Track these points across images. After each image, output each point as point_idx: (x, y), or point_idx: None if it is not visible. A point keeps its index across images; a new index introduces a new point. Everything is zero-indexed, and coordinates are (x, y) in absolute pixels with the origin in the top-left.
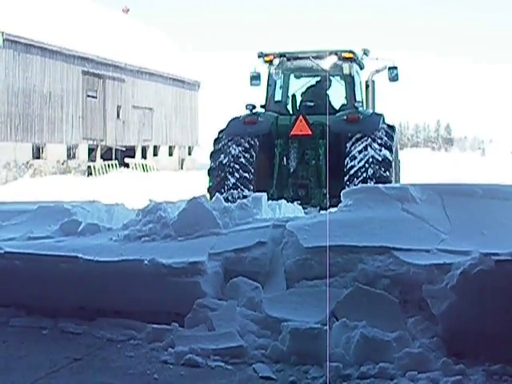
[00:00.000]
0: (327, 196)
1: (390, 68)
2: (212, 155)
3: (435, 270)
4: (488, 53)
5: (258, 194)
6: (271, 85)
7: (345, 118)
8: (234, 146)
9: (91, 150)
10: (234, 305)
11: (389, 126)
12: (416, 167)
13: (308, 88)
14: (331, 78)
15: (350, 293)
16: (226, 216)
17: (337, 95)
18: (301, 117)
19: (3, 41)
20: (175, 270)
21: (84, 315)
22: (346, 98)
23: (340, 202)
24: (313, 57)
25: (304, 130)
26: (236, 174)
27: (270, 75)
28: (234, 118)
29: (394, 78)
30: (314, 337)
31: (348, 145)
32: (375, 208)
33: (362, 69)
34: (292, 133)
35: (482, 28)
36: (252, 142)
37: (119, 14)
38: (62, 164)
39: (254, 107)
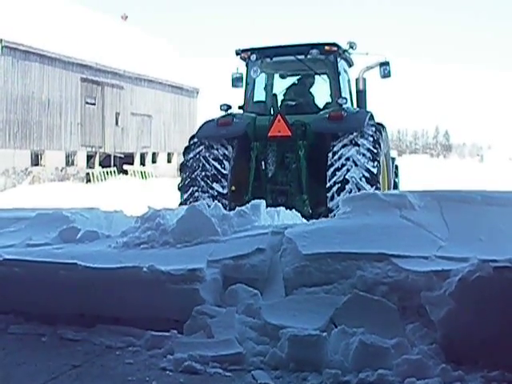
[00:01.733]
0: (307, 202)
1: (381, 64)
2: (182, 167)
3: (434, 277)
4: (487, 59)
5: (256, 201)
6: (249, 83)
7: (327, 116)
8: (206, 155)
9: (90, 157)
10: (233, 312)
11: (377, 123)
12: (414, 174)
13: (289, 86)
14: (314, 74)
15: (349, 300)
16: (224, 223)
17: (321, 93)
18: (279, 116)
19: (2, 48)
20: (174, 277)
21: (83, 322)
22: (330, 95)
23: (325, 209)
24: (293, 51)
25: (283, 130)
26: (209, 190)
27: (247, 73)
28: (207, 121)
29: (386, 75)
30: (312, 344)
31: (330, 145)
32: (373, 215)
33: (350, 66)
34: (270, 134)
35: (481, 34)
36: (226, 150)
37: (118, 21)
38: (61, 171)
39: (229, 107)
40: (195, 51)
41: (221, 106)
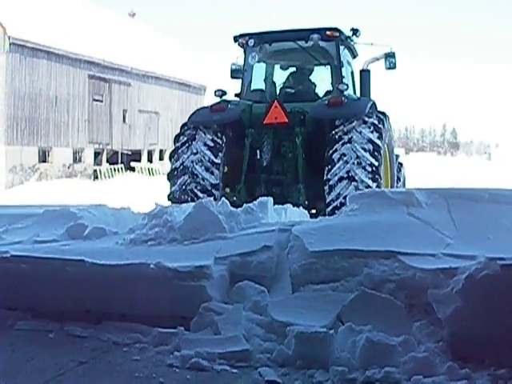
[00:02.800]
0: (303, 193)
1: (387, 55)
2: (172, 155)
3: (441, 275)
4: (495, 57)
5: (263, 198)
6: (247, 70)
7: (326, 102)
8: (197, 142)
9: (97, 154)
10: (240, 309)
11: (380, 112)
12: (422, 171)
13: (289, 74)
14: (315, 61)
15: (356, 297)
16: (231, 220)
17: (322, 81)
18: (276, 102)
19: (10, 45)
20: (181, 273)
21: (90, 319)
22: (331, 84)
23: (322, 202)
24: (293, 37)
25: (280, 117)
26: (200, 180)
27: (245, 59)
28: (201, 107)
29: (391, 67)
30: (319, 341)
31: (329, 131)
32: (381, 212)
33: (354, 57)
34: (266, 121)
35: (489, 32)
36: (218, 138)
37: (125, 18)
38: (68, 168)
39: (223, 93)
40: (203, 48)
41: (215, 92)
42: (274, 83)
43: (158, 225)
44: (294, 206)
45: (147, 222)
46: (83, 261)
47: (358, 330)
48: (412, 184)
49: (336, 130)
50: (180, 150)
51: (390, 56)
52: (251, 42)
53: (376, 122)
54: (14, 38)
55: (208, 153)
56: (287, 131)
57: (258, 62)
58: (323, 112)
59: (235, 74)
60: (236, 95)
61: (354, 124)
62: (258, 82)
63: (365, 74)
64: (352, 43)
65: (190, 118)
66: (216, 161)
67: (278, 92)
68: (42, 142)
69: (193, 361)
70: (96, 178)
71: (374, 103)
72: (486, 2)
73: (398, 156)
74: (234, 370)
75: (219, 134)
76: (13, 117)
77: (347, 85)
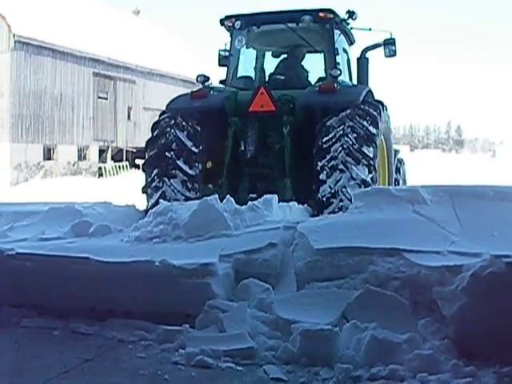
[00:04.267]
0: (289, 188)
1: (386, 42)
2: (148, 144)
3: (446, 272)
4: (500, 54)
5: (268, 195)
6: (233, 55)
7: (317, 89)
8: (175, 130)
9: (102, 152)
10: (245, 306)
11: (377, 101)
12: (426, 169)
13: (279, 59)
14: (307, 45)
15: (361, 294)
16: (237, 218)
17: (314, 67)
18: (262, 89)
19: (15, 43)
20: (186, 271)
21: (95, 316)
22: (325, 70)
23: (311, 198)
24: (283, 18)
25: (266, 105)
26: (178, 172)
27: (231, 43)
28: (181, 94)
29: (391, 54)
30: (324, 338)
31: (320, 120)
32: (386, 210)
33: (351, 43)
34: (251, 109)
35: (494, 30)
36: (198, 126)
37: (130, 15)
38: (73, 165)
39: (206, 79)
40: (208, 45)
41: (197, 78)
42: (263, 69)
43: (163, 222)
44: (280, 202)
45: (152, 219)
46: (88, 258)
47: (363, 328)
48: (417, 181)
49: (327, 119)
50: (156, 139)
51: (389, 43)
52: (238, 25)
53: (371, 110)
54: (19, 36)
55: (187, 142)
56: (274, 120)
57: (246, 46)
58: (313, 99)
59: (224, 61)
60: (221, 82)
61: (347, 112)
62: (245, 68)
63: (362, 61)
64: (348, 28)
65: (168, 104)
66: (195, 151)
67: (266, 79)
68: (46, 139)
69: (198, 358)
70: (101, 175)
71: (370, 91)
72: (494, 2)
73: (397, 151)
74: (239, 368)
75: (200, 122)
76: (18, 114)
77: (340, 70)
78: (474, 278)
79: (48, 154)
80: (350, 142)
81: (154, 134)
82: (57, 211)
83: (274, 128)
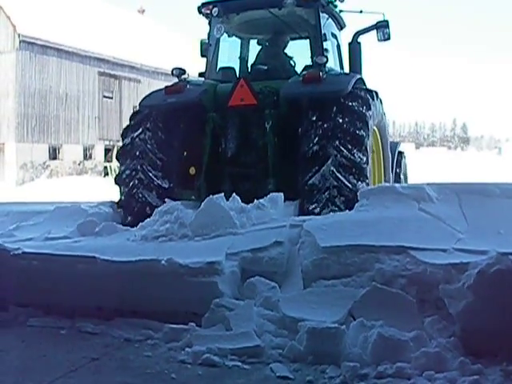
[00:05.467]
0: (271, 188)
1: (378, 25)
2: (118, 155)
3: (452, 270)
4: (505, 51)
5: (274, 194)
6: (212, 45)
7: (301, 78)
8: (147, 131)
9: (107, 151)
10: (251, 304)
11: (368, 90)
12: (432, 166)
13: (261, 48)
14: (292, 32)
15: (367, 292)
16: (243, 216)
17: (301, 55)
18: (242, 81)
19: (20, 42)
20: (192, 269)
21: (101, 315)
22: (311, 57)
23: (297, 198)
24: (265, 3)
25: (247, 98)
26: (153, 185)
27: (210, 32)
28: (157, 90)
29: (384, 38)
30: (331, 336)
31: (305, 114)
32: (392, 207)
33: (341, 28)
34: (230, 103)
35: (500, 27)
36: (174, 124)
37: (135, 14)
38: (79, 165)
39: (182, 72)
40: None
41: (172, 71)
42: (244, 59)
43: (169, 221)
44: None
45: (158, 218)
46: (94, 257)
47: (370, 326)
48: (422, 179)
49: (310, 108)
50: (126, 148)
51: (382, 26)
52: (215, 11)
53: (362, 94)
54: (24, 36)
55: (159, 143)
56: (257, 115)
57: (228, 34)
58: (297, 89)
59: (206, 51)
60: (200, 75)
61: (332, 101)
62: (225, 59)
63: (354, 47)
64: (336, 11)
65: (141, 102)
66: (169, 152)
67: (249, 69)
68: (52, 139)
69: (204, 357)
70: (106, 174)
71: (361, 79)
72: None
73: (397, 144)
74: (246, 366)
75: (175, 120)
76: (23, 114)
77: (327, 57)
78: (480, 276)
79: (53, 154)
80: (338, 139)
81: (125, 142)
82: (63, 211)
83: (257, 123)
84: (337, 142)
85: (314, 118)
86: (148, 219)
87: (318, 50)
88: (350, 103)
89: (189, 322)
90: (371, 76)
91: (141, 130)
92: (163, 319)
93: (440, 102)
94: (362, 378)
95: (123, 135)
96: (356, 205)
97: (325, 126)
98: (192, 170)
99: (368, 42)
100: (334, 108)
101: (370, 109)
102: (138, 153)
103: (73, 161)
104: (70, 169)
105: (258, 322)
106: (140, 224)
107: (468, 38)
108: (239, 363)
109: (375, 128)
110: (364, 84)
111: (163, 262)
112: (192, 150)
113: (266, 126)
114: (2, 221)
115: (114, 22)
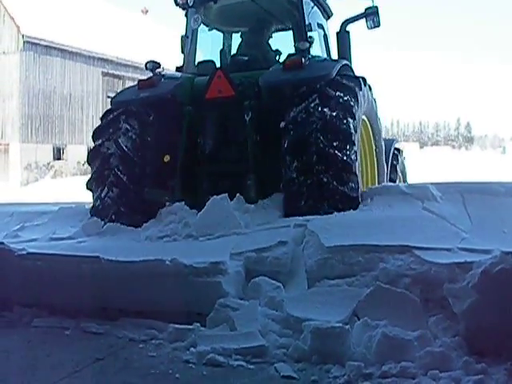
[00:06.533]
0: (252, 186)
1: (367, 12)
2: (89, 158)
3: (456, 269)
4: (508, 50)
5: (278, 194)
6: (189, 37)
7: (281, 66)
8: (117, 131)
9: None
10: (256, 304)
11: (354, 76)
12: (436, 166)
13: (242, 39)
14: (274, 20)
15: (372, 292)
16: (247, 216)
17: (284, 45)
18: (219, 72)
19: (24, 43)
20: (197, 269)
21: (106, 315)
22: (294, 45)
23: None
24: None
25: (225, 90)
26: (120, 177)
27: (186, 23)
28: (131, 86)
29: (374, 25)
30: (335, 336)
31: (285, 104)
32: (396, 207)
33: (328, 17)
34: (207, 95)
35: (503, 26)
36: (146, 121)
37: (138, 15)
38: (83, 165)
39: (157, 66)
40: None
41: (146, 65)
42: (225, 51)
43: (174, 221)
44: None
45: (162, 218)
46: (99, 257)
47: (374, 325)
48: (426, 179)
49: (293, 98)
50: (96, 152)
51: (372, 13)
52: (191, 1)
53: (345, 82)
54: (28, 37)
55: (129, 141)
56: (236, 107)
57: (205, 26)
58: (277, 77)
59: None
60: (178, 69)
61: (313, 98)
62: (203, 51)
63: (343, 36)
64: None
65: (112, 98)
66: (142, 152)
67: (228, 62)
68: (56, 139)
69: (209, 357)
70: None
71: (347, 65)
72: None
73: (393, 140)
74: (250, 366)
75: (148, 117)
76: (27, 115)
77: (310, 42)
78: (484, 275)
79: (58, 154)
80: (322, 128)
81: (96, 143)
82: (67, 211)
83: (236, 116)
84: (320, 136)
85: (296, 109)
86: (152, 219)
87: (301, 37)
88: (334, 92)
89: (193, 322)
90: (377, 76)
91: (112, 130)
92: (168, 319)
93: (444, 101)
94: (366, 378)
95: (94, 136)
96: (360, 205)
97: (306, 117)
98: (166, 158)
99: (376, 48)
100: (317, 98)
101: (356, 97)
102: (109, 155)
103: (77, 161)
104: (74, 169)
105: (262, 322)
106: (144, 224)
107: (473, 37)
108: (244, 363)
109: (364, 118)
110: (351, 71)
111: (167, 262)
112: (167, 149)
113: (246, 119)
114: (6, 221)
115: (118, 23)
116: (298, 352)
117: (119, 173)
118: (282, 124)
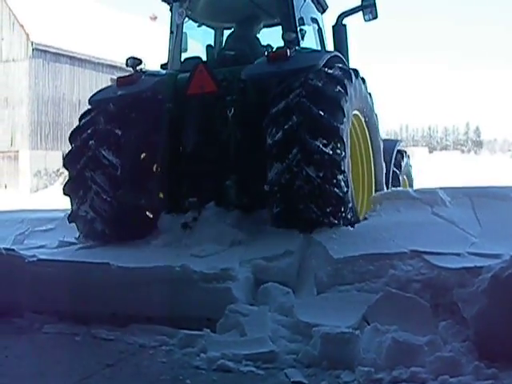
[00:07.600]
0: (232, 186)
1: (364, 3)
2: (65, 162)
3: (466, 274)
4: None
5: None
6: (174, 32)
7: (266, 58)
8: (94, 130)
9: None
10: (266, 310)
11: (344, 68)
12: (446, 170)
13: (229, 34)
14: (262, 14)
15: (381, 297)
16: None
17: (274, 40)
18: (201, 66)
19: (33, 50)
20: (207, 275)
21: (116, 321)
22: (283, 37)
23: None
24: None
25: (207, 85)
26: (92, 185)
27: (171, 19)
28: (110, 84)
29: (371, 17)
30: (345, 341)
31: (269, 99)
32: (405, 212)
33: (323, 10)
34: (189, 91)
35: (507, 31)
36: (124, 119)
37: (147, 21)
38: None
39: (138, 62)
40: None
41: (127, 61)
42: (211, 47)
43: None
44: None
45: (172, 224)
46: (108, 264)
47: (384, 330)
48: (436, 183)
49: (277, 92)
50: (75, 146)
51: (369, 5)
52: None
53: (332, 72)
54: (37, 44)
55: (107, 143)
56: (219, 103)
57: (191, 20)
58: (260, 69)
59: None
60: (162, 66)
61: (297, 93)
62: (189, 47)
63: (339, 30)
64: None
65: (91, 97)
66: (121, 154)
67: (215, 57)
68: (65, 146)
69: (219, 362)
70: None
71: (338, 56)
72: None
73: (396, 142)
74: (260, 372)
75: (128, 116)
76: (36, 122)
77: (297, 33)
78: (494, 280)
79: None
80: (308, 124)
81: (73, 146)
82: None
83: (219, 113)
84: (305, 133)
85: (278, 103)
86: (160, 225)
87: (289, 29)
88: (320, 83)
89: (203, 327)
90: (387, 81)
91: (90, 131)
92: (178, 325)
93: (453, 105)
94: (376, 383)
95: (71, 138)
96: (369, 211)
97: (289, 111)
98: (142, 157)
99: (387, 53)
100: (302, 90)
101: (345, 89)
102: (86, 158)
103: None
104: None
105: (272, 328)
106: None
107: (483, 42)
108: (254, 368)
109: (357, 112)
110: (343, 63)
111: (177, 268)
112: (147, 149)
113: (228, 115)
114: (16, 228)
115: (126, 29)
116: (307, 357)
117: (97, 177)
118: (265, 120)
